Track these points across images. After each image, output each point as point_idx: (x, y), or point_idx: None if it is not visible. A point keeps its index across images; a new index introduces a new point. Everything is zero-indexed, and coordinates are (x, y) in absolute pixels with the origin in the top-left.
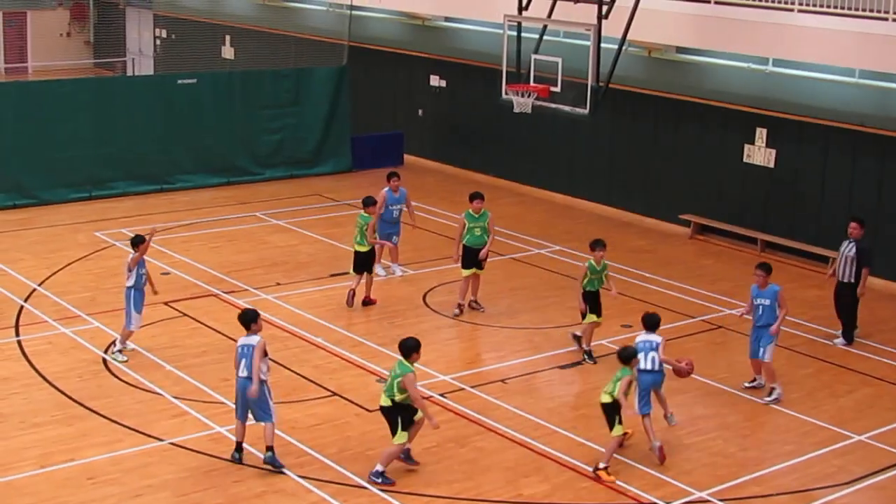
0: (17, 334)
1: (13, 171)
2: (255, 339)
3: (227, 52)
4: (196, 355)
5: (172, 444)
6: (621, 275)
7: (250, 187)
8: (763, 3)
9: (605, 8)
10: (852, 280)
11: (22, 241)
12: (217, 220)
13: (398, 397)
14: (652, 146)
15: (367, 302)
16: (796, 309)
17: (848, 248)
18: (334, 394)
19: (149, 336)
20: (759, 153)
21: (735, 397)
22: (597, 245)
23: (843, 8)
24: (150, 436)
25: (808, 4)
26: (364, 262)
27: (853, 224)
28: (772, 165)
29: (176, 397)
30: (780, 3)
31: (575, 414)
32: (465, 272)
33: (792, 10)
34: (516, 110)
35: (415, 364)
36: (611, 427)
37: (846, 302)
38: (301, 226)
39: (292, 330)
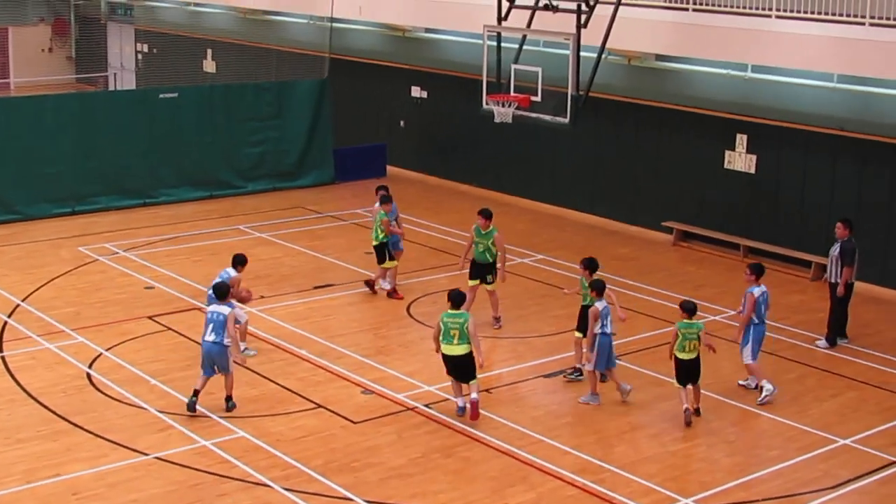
0: (1, 350)
1: None
2: (226, 309)
3: (209, 65)
4: (181, 369)
5: (158, 458)
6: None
7: (233, 200)
8: (741, 10)
9: (583, 17)
10: (838, 280)
11: (5, 256)
12: (200, 233)
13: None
14: (633, 154)
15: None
16: (779, 313)
17: (834, 249)
18: (319, 406)
19: (133, 350)
20: (740, 159)
21: (720, 403)
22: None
23: (820, 13)
24: (135, 450)
25: (785, 10)
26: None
27: (838, 224)
28: (753, 171)
29: (161, 411)
30: (757, 9)
31: (560, 422)
32: (470, 282)
33: (769, 16)
34: (497, 120)
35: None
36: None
37: (835, 302)
38: (284, 238)
39: (276, 342)
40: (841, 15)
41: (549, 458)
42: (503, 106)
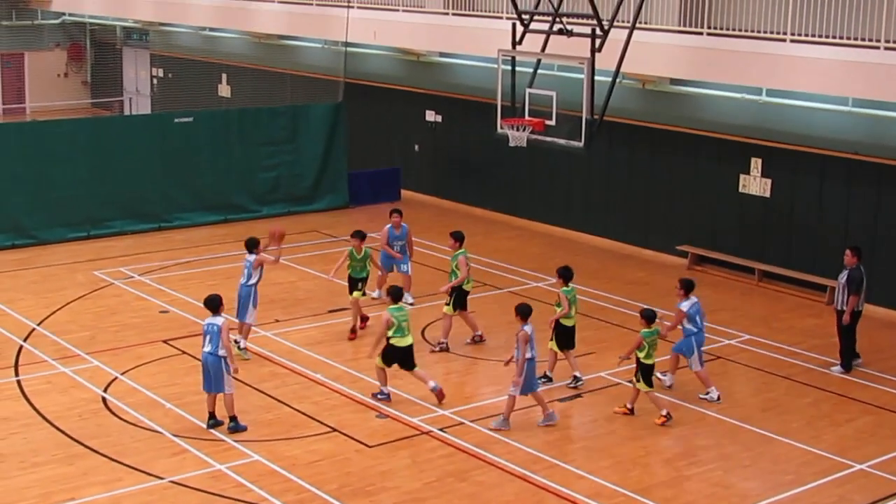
0: (17, 374)
1: (12, 211)
2: (220, 320)
3: (224, 90)
4: (196, 392)
5: (173, 482)
6: (619, 307)
7: (248, 224)
8: (756, 34)
9: (598, 41)
10: (845, 307)
11: (21, 280)
12: (215, 257)
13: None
14: (648, 178)
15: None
16: (794, 338)
17: (842, 276)
18: (334, 430)
19: (148, 374)
20: (755, 183)
21: (735, 427)
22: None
23: (835, 37)
24: (150, 474)
25: (800, 34)
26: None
27: (847, 252)
28: (767, 195)
29: (176, 435)
30: (772, 33)
31: (574, 447)
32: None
33: (784, 40)
34: (512, 144)
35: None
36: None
37: (840, 329)
38: (299, 262)
39: (291, 366)
40: (856, 39)
41: (564, 483)
42: (518, 130)
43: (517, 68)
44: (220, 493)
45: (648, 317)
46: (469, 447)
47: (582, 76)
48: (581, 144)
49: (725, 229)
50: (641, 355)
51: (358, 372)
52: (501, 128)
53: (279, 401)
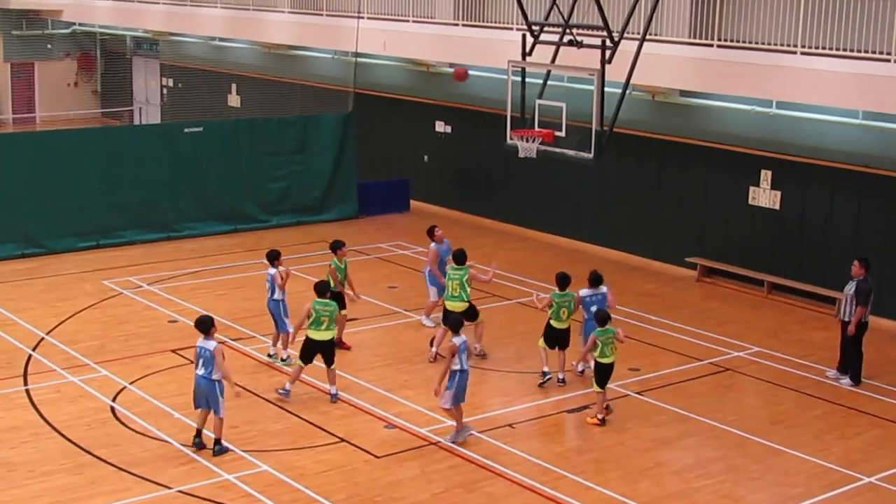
0: (26, 383)
1: (21, 220)
2: (212, 344)
3: (234, 100)
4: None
5: (181, 491)
6: (629, 318)
7: (257, 234)
8: (766, 46)
9: (608, 53)
10: (851, 318)
11: (30, 290)
12: (224, 267)
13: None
14: (657, 189)
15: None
16: (802, 350)
17: (849, 287)
18: (342, 440)
19: (157, 383)
20: (765, 195)
21: (743, 440)
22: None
23: (846, 50)
24: (158, 484)
25: (811, 47)
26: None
27: (855, 263)
28: (777, 207)
29: (184, 445)
30: (783, 45)
31: (583, 458)
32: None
33: (795, 52)
34: (521, 155)
35: None
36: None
37: (847, 340)
38: (308, 272)
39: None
40: (867, 52)
41: (573, 495)
42: (527, 141)
43: (527, 79)
44: (229, 502)
45: (602, 318)
46: (477, 458)
47: (592, 87)
48: (591, 156)
49: (735, 241)
50: (596, 354)
51: (367, 382)
52: (511, 139)
53: (287, 411)
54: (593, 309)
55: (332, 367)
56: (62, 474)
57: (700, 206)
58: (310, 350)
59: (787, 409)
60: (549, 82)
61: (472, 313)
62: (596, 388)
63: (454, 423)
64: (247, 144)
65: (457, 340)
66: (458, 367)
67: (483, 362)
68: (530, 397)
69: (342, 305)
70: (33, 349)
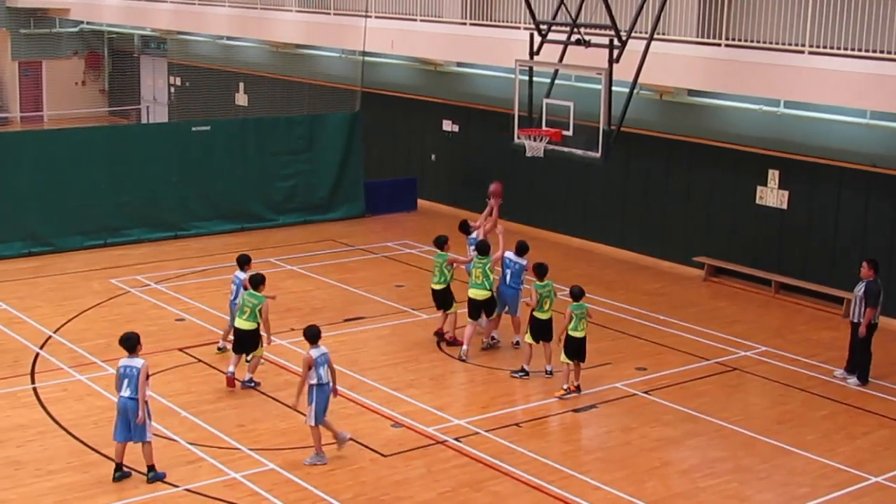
0: (33, 381)
1: (29, 218)
2: (138, 362)
3: (241, 98)
4: (211, 401)
5: (188, 490)
6: (636, 318)
7: (264, 233)
8: (774, 46)
9: (616, 52)
10: (861, 320)
11: (37, 288)
12: (231, 266)
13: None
14: (665, 189)
15: (441, 336)
16: (810, 350)
17: (858, 289)
18: (349, 439)
19: (163, 382)
20: (772, 195)
21: (750, 440)
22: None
23: (854, 49)
24: (165, 482)
25: (819, 46)
26: (443, 300)
27: (863, 264)
28: (785, 207)
29: (191, 443)
30: (791, 44)
31: (590, 457)
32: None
33: (803, 51)
34: (529, 154)
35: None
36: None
37: (856, 341)
38: (315, 271)
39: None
40: (875, 51)
41: (580, 494)
42: (535, 140)
43: (535, 78)
44: (235, 501)
45: (577, 293)
46: (484, 457)
47: (599, 87)
48: (598, 155)
49: (742, 241)
50: (570, 327)
51: (374, 381)
52: (518, 138)
53: (294, 409)
54: (508, 272)
55: (249, 358)
56: (69, 472)
57: (707, 205)
58: (237, 339)
59: (794, 408)
60: (556, 81)
61: (492, 305)
62: (563, 359)
63: (315, 446)
64: (254, 143)
65: (314, 352)
66: (314, 381)
67: (490, 361)
68: (537, 396)
69: (449, 303)
70: (40, 347)
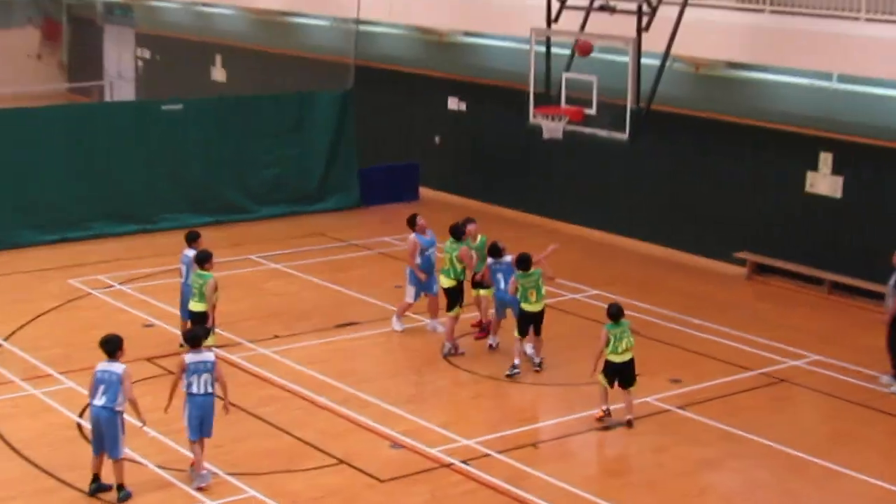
0: None
1: None
2: (118, 367)
3: (219, 73)
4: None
5: None
6: (668, 322)
7: (244, 227)
8: (826, 12)
9: (645, 19)
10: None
11: None
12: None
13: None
14: (701, 175)
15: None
16: (868, 358)
17: (893, 279)
18: (341, 462)
19: None
20: (824, 181)
21: (800, 461)
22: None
23: None
24: None
25: (876, 12)
26: (453, 299)
27: (895, 253)
28: (838, 195)
29: (161, 467)
30: (844, 11)
31: (618, 482)
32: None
33: (858, 18)
34: (546, 136)
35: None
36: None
37: (891, 339)
38: (302, 270)
39: (293, 389)
40: None
41: None
42: (553, 120)
43: (553, 50)
44: None
45: (613, 313)
46: (497, 483)
47: (626, 59)
48: (625, 136)
49: (790, 234)
50: (608, 350)
51: (369, 395)
52: (534, 118)
53: (279, 428)
54: (499, 276)
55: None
56: (21, 501)
57: (750, 194)
58: (192, 324)
59: (849, 425)
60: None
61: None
62: (602, 382)
63: (195, 466)
64: (233, 125)
65: (188, 357)
66: (186, 388)
67: (501, 375)
68: (556, 413)
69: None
70: None
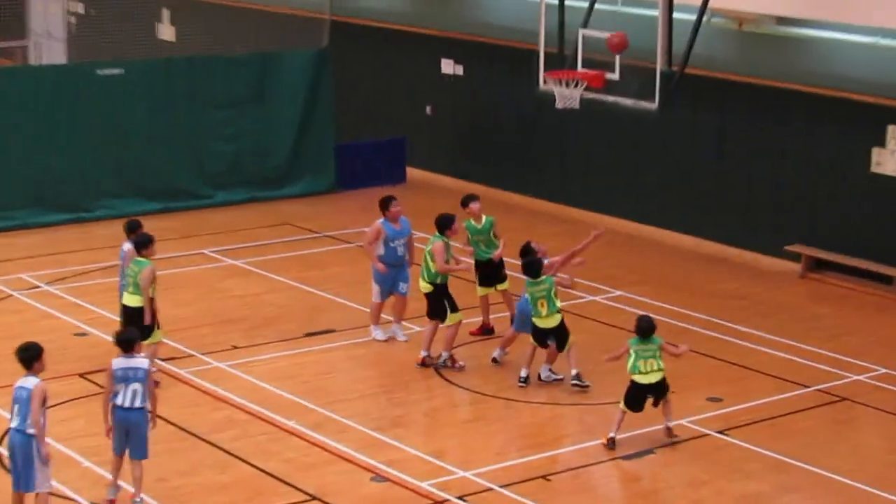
0: None
1: None
2: (32, 382)
3: (166, 31)
4: None
5: None
6: (706, 328)
7: (196, 215)
8: None
9: None
10: None
11: None
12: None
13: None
14: (744, 153)
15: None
16: None
17: None
18: (313, 498)
19: (59, 420)
20: (893, 160)
21: (865, 495)
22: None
23: None
24: None
25: None
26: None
27: None
28: None
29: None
30: None
31: None
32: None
33: None
34: (559, 106)
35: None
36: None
37: None
38: (266, 267)
39: (254, 410)
40: None
41: None
42: (567, 86)
43: (566, 2)
44: None
45: (643, 327)
46: None
47: (656, 13)
48: (654, 106)
49: (853, 223)
50: (629, 367)
51: (347, 419)
52: (545, 83)
53: (237, 457)
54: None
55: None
56: None
57: (805, 175)
58: (125, 320)
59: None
60: (596, 5)
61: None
62: (621, 406)
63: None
64: (183, 92)
65: (115, 363)
66: (119, 400)
67: (507, 391)
68: (572, 438)
69: (443, 310)
70: None
